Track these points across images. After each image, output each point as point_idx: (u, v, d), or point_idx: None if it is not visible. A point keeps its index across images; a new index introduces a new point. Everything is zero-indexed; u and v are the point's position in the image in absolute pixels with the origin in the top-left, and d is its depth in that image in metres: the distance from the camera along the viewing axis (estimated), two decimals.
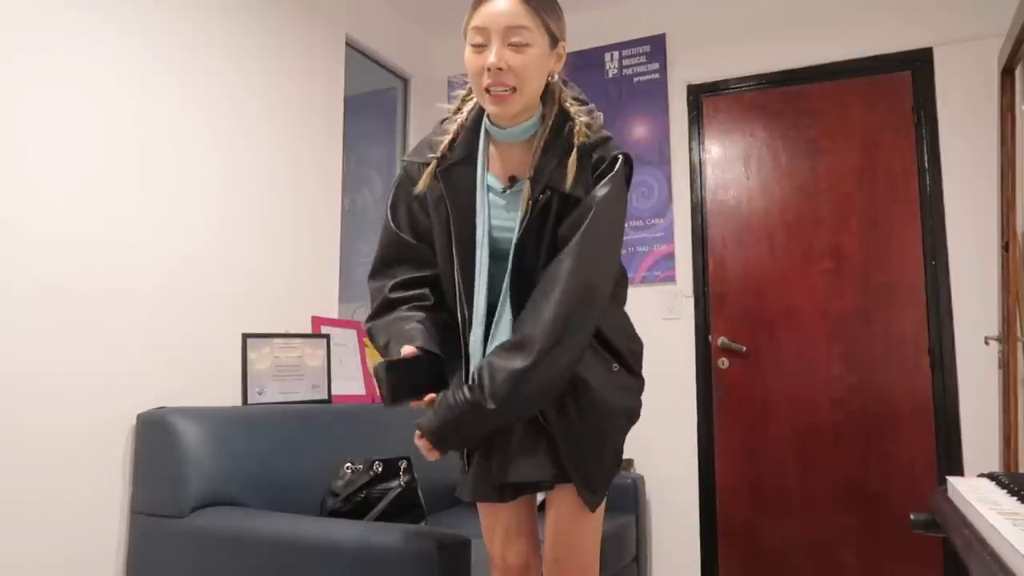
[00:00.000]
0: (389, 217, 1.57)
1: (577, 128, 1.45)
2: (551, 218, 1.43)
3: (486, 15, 1.38)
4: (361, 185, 3.69)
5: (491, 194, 1.49)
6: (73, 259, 2.08)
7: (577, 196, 1.43)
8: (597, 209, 1.40)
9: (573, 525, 1.49)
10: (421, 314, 1.50)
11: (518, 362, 1.32)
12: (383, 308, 1.53)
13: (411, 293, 1.53)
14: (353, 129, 3.35)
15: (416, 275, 1.54)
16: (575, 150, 1.43)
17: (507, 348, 1.36)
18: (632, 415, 1.53)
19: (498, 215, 1.48)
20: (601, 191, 1.41)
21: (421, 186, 1.49)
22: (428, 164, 1.49)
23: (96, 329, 2.12)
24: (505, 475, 1.46)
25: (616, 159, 1.45)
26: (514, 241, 1.44)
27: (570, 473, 1.44)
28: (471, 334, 1.46)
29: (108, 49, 2.21)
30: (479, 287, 1.46)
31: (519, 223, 1.44)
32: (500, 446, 1.47)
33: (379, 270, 1.58)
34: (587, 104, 1.52)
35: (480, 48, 1.39)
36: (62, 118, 2.08)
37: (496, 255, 1.47)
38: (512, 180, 1.48)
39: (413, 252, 1.55)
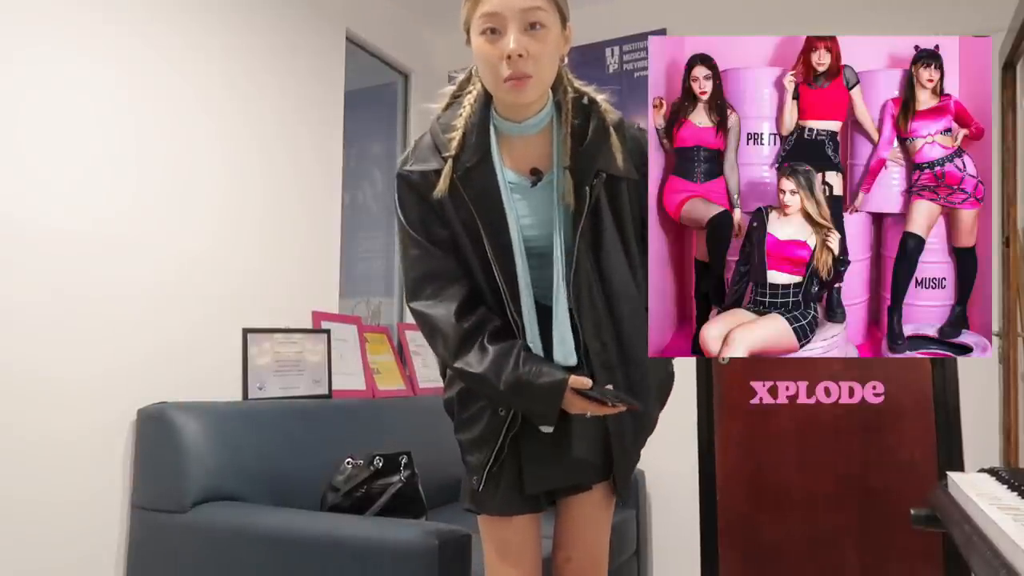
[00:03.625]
0: (410, 230, 1.42)
1: (603, 107, 1.42)
2: (604, 203, 1.39)
3: (499, 0, 1.28)
4: (361, 180, 3.68)
5: (515, 192, 1.40)
6: (74, 255, 2.08)
7: (628, 176, 1.42)
8: None
9: (597, 520, 1.51)
10: (516, 342, 1.38)
11: None
12: (464, 342, 1.37)
13: (479, 316, 1.40)
14: (353, 124, 3.35)
15: (464, 293, 1.41)
16: (612, 129, 1.41)
17: None
18: (665, 399, 1.56)
19: (524, 212, 1.40)
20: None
21: (442, 187, 1.36)
22: (440, 168, 1.37)
23: (96, 325, 2.12)
24: (563, 479, 1.44)
25: (645, 136, 1.48)
26: (566, 235, 1.38)
27: (615, 467, 1.45)
28: (528, 340, 1.39)
29: (108, 45, 2.20)
30: (524, 289, 1.38)
31: (563, 215, 1.38)
32: (550, 450, 1.41)
33: (418, 289, 1.43)
34: (588, 84, 1.48)
35: (494, 35, 1.29)
36: (62, 115, 2.08)
37: (529, 252, 1.40)
38: (535, 173, 1.40)
39: (443, 263, 1.42)
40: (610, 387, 1.35)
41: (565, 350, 1.38)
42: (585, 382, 1.31)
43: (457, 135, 1.38)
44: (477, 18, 1.30)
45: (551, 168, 1.40)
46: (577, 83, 1.45)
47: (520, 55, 1.27)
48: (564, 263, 1.38)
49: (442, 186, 1.36)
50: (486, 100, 1.40)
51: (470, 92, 1.43)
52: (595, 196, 1.37)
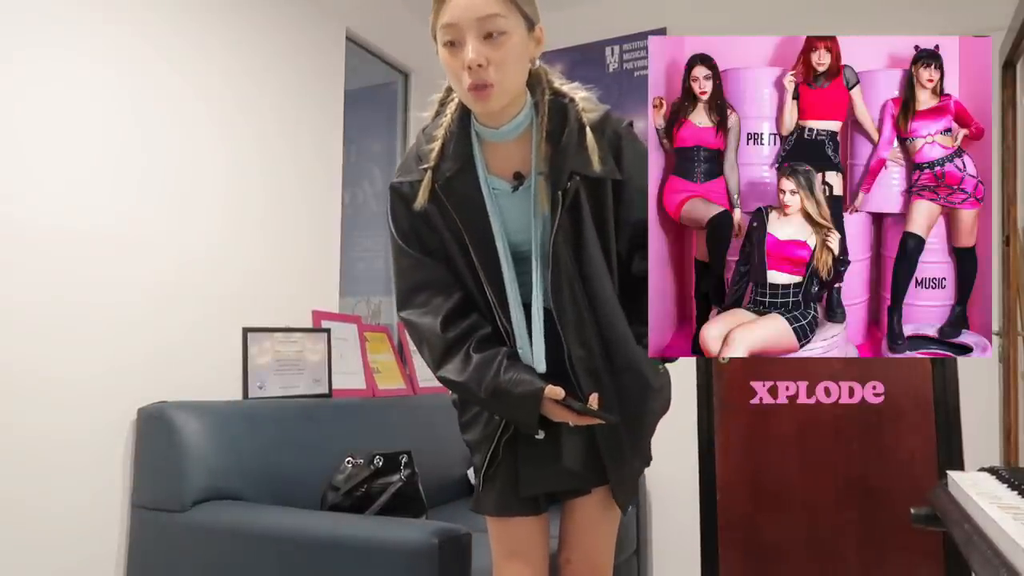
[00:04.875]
0: (400, 240, 1.44)
1: (580, 106, 1.39)
2: (584, 205, 1.36)
3: (455, 9, 1.26)
4: (361, 179, 3.68)
5: (499, 198, 1.40)
6: (74, 255, 2.08)
7: (609, 177, 1.38)
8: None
9: (597, 523, 1.50)
10: (500, 349, 1.38)
11: None
12: (448, 352, 1.38)
13: (466, 324, 1.40)
14: (353, 123, 3.35)
15: (453, 302, 1.41)
16: (588, 129, 1.37)
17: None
18: (667, 405, 1.51)
19: (510, 217, 1.40)
20: (647, 168, 1.44)
21: (421, 200, 1.37)
22: (422, 179, 1.38)
23: (96, 324, 2.12)
24: (557, 482, 1.43)
25: (631, 132, 1.45)
26: (542, 239, 1.37)
27: (608, 474, 1.43)
28: (517, 347, 1.39)
29: (108, 44, 2.20)
30: (512, 296, 1.38)
31: (540, 220, 1.37)
32: (545, 453, 1.41)
33: (408, 299, 1.44)
34: (571, 82, 1.45)
35: (455, 46, 1.28)
36: (63, 114, 2.07)
37: (516, 258, 1.40)
38: (518, 177, 1.40)
39: (434, 272, 1.43)
40: (595, 396, 1.33)
41: (536, 357, 1.37)
42: (558, 392, 1.31)
43: (437, 145, 1.38)
44: (439, 29, 1.30)
45: (532, 171, 1.39)
46: (557, 83, 1.43)
47: (480, 64, 1.26)
48: (541, 266, 1.37)
49: (421, 199, 1.37)
50: (466, 107, 1.39)
51: (452, 100, 1.43)
52: (569, 199, 1.34)
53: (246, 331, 2.58)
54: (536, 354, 1.38)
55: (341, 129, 3.18)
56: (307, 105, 2.98)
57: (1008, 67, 2.18)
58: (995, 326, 2.40)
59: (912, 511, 1.31)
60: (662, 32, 3.46)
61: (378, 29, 3.48)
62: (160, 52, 2.37)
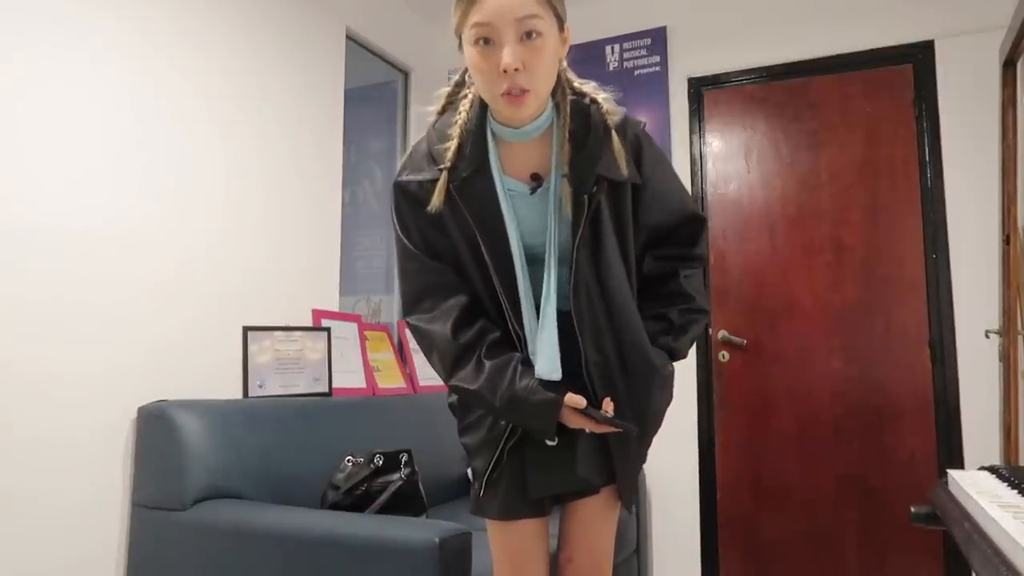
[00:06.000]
0: (406, 242, 1.38)
1: (604, 108, 1.35)
2: (605, 209, 1.33)
3: (491, 9, 1.19)
4: (361, 178, 3.68)
5: (514, 199, 1.35)
6: (74, 254, 2.08)
7: (632, 181, 1.36)
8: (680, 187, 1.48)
9: (600, 522, 1.49)
10: (513, 355, 1.34)
11: (700, 327, 1.45)
12: (459, 359, 1.34)
13: (476, 329, 1.35)
14: (353, 122, 3.35)
15: (462, 307, 1.36)
16: (614, 132, 1.34)
17: (684, 319, 1.42)
18: (671, 399, 1.48)
19: (526, 220, 1.35)
20: (664, 171, 1.45)
21: (436, 202, 1.31)
22: (436, 179, 1.32)
23: (97, 323, 2.12)
24: (567, 485, 1.41)
25: (647, 134, 1.43)
26: (560, 241, 1.33)
27: (618, 480, 1.42)
28: (529, 352, 1.34)
29: (108, 43, 2.20)
30: (525, 300, 1.33)
31: (559, 222, 1.33)
32: (554, 457, 1.38)
33: (415, 304, 1.39)
34: (587, 80, 1.41)
35: (487, 46, 1.21)
36: (63, 113, 2.07)
37: (531, 261, 1.35)
38: (536, 178, 1.35)
39: (441, 275, 1.38)
40: (610, 406, 1.31)
41: (550, 364, 1.31)
42: (580, 401, 1.28)
43: (453, 144, 1.32)
44: (469, 27, 1.23)
45: (551, 173, 1.35)
46: (577, 83, 1.39)
47: (516, 68, 1.20)
48: (564, 269, 1.33)
49: (436, 200, 1.32)
50: (482, 104, 1.33)
51: (465, 96, 1.37)
52: (595, 204, 1.31)
53: (246, 330, 2.58)
54: (551, 360, 1.32)
55: (341, 128, 3.18)
56: (307, 104, 2.99)
57: (1008, 66, 2.18)
58: (995, 325, 2.40)
59: (912, 510, 1.31)
60: (662, 31, 3.46)
61: (378, 28, 3.48)
62: (160, 51, 2.37)
